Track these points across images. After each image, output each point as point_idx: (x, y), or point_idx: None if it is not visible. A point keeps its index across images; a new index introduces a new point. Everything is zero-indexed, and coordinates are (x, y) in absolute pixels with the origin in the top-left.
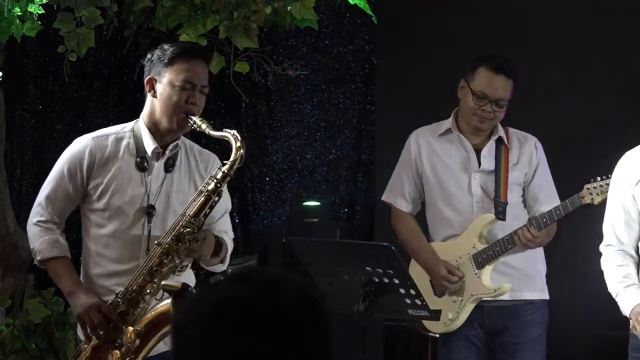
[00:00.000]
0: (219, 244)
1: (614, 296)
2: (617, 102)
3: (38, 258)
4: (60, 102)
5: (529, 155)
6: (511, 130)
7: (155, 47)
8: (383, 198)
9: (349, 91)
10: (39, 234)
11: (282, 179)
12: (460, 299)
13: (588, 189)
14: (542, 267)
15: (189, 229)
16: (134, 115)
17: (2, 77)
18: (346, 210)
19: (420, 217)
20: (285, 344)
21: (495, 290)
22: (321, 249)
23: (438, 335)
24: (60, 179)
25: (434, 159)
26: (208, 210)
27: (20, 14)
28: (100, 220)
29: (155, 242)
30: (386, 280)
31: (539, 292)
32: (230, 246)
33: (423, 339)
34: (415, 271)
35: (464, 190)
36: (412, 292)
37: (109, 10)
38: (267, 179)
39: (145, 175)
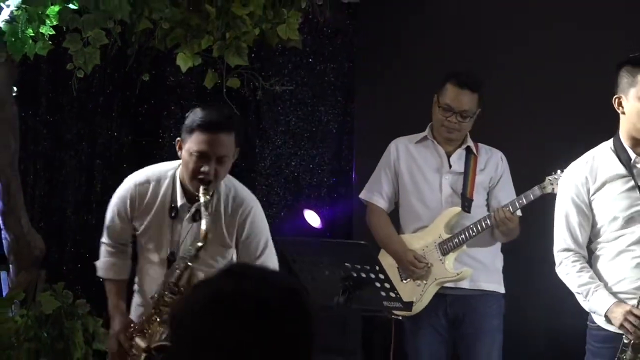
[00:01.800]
0: None
1: (582, 297)
2: (582, 112)
3: (98, 274)
4: (69, 114)
5: (495, 164)
6: (480, 144)
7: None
8: (360, 196)
9: (330, 105)
10: (103, 253)
11: (270, 183)
12: (425, 282)
13: (549, 179)
14: (499, 264)
15: (170, 294)
16: (136, 126)
17: (16, 92)
18: (327, 212)
19: (391, 214)
20: (275, 333)
21: (457, 274)
22: (305, 247)
23: (400, 317)
24: (113, 215)
25: (411, 161)
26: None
27: (32, 34)
28: (140, 252)
29: (149, 297)
30: (363, 275)
31: (496, 284)
32: None
33: (396, 327)
34: (384, 261)
35: (435, 189)
36: (387, 285)
37: (113, 31)
38: (256, 183)
39: (175, 223)
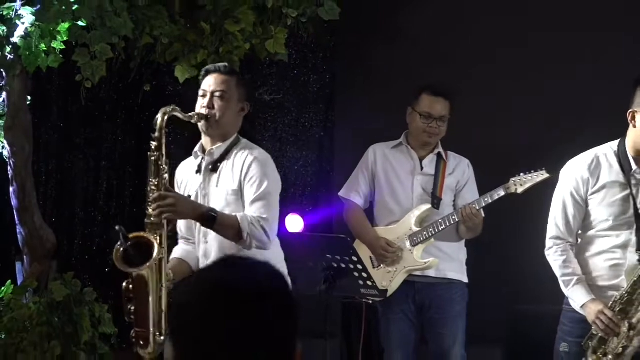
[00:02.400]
0: (209, 216)
1: (564, 286)
2: (544, 120)
3: None
4: (78, 121)
5: (462, 170)
6: (449, 152)
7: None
8: (340, 193)
9: (313, 112)
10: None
11: None
12: (395, 269)
13: (513, 181)
14: (463, 257)
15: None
16: (138, 132)
17: (30, 101)
18: (310, 209)
19: (365, 210)
20: (267, 319)
21: (425, 263)
22: (291, 240)
23: (372, 302)
24: None
25: (387, 164)
26: (162, 172)
27: (45, 49)
28: None
29: None
30: (343, 266)
31: (460, 274)
32: (243, 223)
33: (369, 313)
34: (358, 250)
35: (408, 188)
36: (364, 275)
37: (117, 46)
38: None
39: (197, 176)
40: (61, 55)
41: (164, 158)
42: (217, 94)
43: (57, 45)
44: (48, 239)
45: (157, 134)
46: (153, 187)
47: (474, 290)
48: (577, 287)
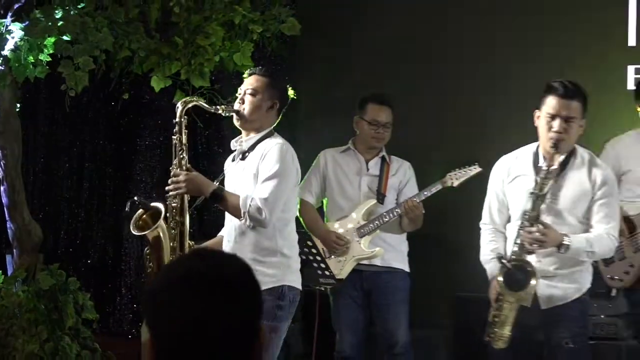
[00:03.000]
0: (215, 194)
1: (483, 264)
2: (474, 126)
3: None
4: (62, 127)
5: (404, 171)
6: (392, 156)
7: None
8: None
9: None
10: None
11: None
12: (344, 259)
13: (449, 175)
14: (405, 248)
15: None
16: (118, 136)
17: (19, 108)
18: None
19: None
20: (234, 305)
21: (371, 252)
22: None
23: (323, 289)
24: None
25: (337, 167)
26: (179, 152)
27: (33, 61)
28: None
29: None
30: (304, 257)
31: (403, 263)
32: (242, 203)
33: (321, 299)
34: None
35: (355, 187)
36: (322, 265)
37: (99, 58)
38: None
39: (233, 163)
40: (47, 67)
41: (184, 140)
42: (249, 91)
43: (44, 57)
44: (36, 234)
45: (177, 119)
46: (173, 166)
47: (419, 278)
48: (492, 264)
